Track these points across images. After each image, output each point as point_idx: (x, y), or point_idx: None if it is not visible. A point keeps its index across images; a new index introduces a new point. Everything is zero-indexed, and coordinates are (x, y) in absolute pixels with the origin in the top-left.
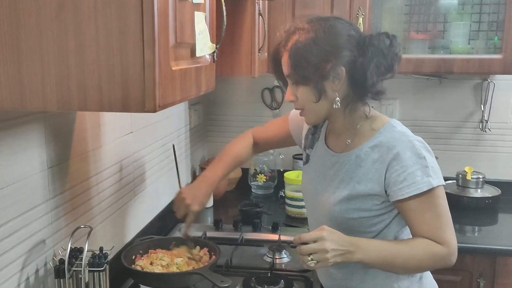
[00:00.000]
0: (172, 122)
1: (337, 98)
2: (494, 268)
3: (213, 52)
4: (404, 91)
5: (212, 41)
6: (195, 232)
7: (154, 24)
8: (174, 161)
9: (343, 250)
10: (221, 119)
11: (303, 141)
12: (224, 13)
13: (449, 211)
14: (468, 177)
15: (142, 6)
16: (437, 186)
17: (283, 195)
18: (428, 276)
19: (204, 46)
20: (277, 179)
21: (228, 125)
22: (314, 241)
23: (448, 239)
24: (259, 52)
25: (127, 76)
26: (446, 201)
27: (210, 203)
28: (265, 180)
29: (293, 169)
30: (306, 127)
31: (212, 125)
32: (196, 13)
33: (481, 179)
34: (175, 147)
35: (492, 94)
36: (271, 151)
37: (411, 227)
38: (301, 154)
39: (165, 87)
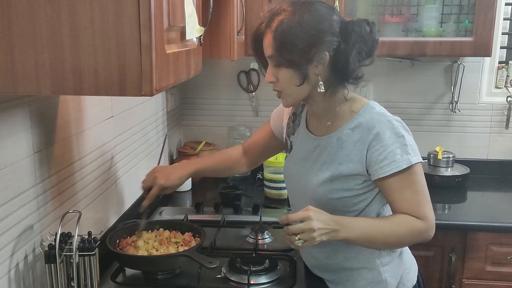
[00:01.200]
0: (149, 106)
1: (321, 82)
2: (465, 243)
3: (200, 35)
4: (377, 74)
5: (199, 24)
6: (176, 216)
7: (150, 6)
8: (162, 147)
9: (328, 228)
10: (197, 103)
11: (285, 131)
12: None
13: (427, 187)
14: (439, 156)
15: None
16: (415, 163)
17: (261, 177)
18: (407, 252)
19: (193, 29)
20: None
21: (204, 109)
22: (301, 221)
23: (427, 214)
24: (237, 35)
25: (123, 60)
26: (424, 178)
27: (187, 186)
28: None
29: None
30: (286, 116)
31: (188, 108)
32: None
33: (451, 158)
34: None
35: (462, 76)
36: (247, 133)
37: (392, 204)
38: None
39: (161, 71)
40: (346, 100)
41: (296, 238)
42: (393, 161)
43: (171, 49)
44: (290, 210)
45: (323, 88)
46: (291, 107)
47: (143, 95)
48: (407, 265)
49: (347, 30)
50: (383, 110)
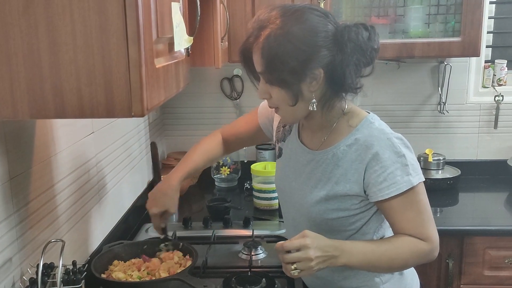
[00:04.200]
0: (131, 119)
1: (313, 100)
2: (461, 248)
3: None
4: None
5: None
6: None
7: (138, 18)
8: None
9: (327, 256)
10: (179, 112)
11: (274, 134)
12: (198, 2)
13: (429, 206)
14: (430, 159)
15: None
16: (417, 184)
17: (249, 187)
18: None
19: (181, 40)
20: (241, 171)
21: (186, 118)
22: (297, 250)
23: (431, 235)
24: (221, 42)
25: (110, 77)
26: (426, 196)
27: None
28: (228, 173)
29: (257, 160)
30: (277, 119)
31: (170, 118)
32: (172, 3)
33: (441, 161)
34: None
35: (449, 77)
36: None
37: (393, 225)
38: (265, 145)
39: (151, 87)
40: (344, 114)
41: (292, 267)
42: (393, 183)
43: (160, 63)
44: (282, 221)
45: (315, 107)
46: None
47: (133, 116)
48: (408, 280)
49: (343, 39)
50: (383, 126)
